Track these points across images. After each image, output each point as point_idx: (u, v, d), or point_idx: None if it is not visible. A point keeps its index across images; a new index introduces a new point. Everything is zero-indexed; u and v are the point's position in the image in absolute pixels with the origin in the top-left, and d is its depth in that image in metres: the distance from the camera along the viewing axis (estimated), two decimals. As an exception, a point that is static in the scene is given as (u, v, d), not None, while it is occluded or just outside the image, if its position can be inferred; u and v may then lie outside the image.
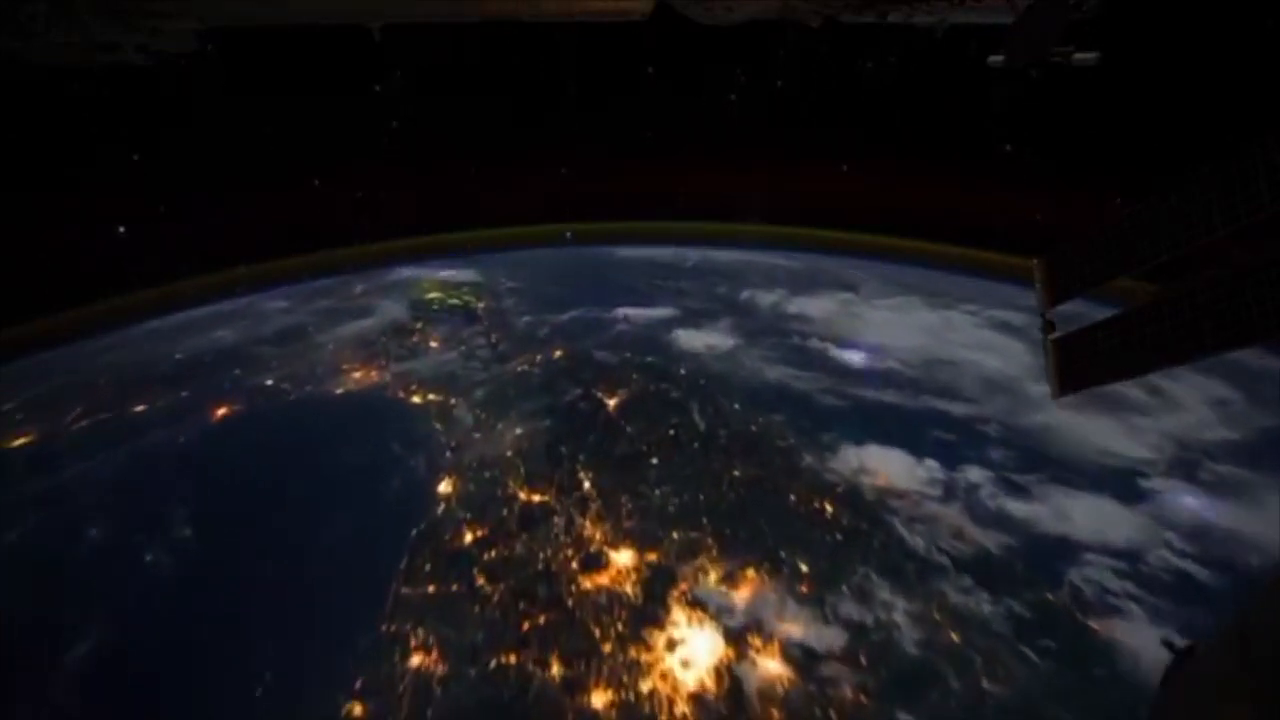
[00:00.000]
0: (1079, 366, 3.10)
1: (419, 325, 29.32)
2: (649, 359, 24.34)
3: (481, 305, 32.55)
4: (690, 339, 25.95)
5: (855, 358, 24.49)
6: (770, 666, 12.75)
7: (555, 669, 12.60)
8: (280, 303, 35.29)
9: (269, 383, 24.64)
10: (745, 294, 32.76)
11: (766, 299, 31.71)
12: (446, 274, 39.72)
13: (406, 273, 40.58)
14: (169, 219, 30.14)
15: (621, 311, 29.06)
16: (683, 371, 23.26)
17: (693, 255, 43.49)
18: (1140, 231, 2.95)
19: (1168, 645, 2.51)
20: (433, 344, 26.81)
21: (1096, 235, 3.16)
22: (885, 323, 28.52)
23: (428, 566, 14.90)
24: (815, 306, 30.66)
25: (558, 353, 25.18)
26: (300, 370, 25.31)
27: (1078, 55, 3.78)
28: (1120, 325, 2.96)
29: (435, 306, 32.79)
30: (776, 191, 37.54)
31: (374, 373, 24.52)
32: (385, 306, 32.59)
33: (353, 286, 38.59)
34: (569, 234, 47.74)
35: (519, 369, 23.89)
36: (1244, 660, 2.05)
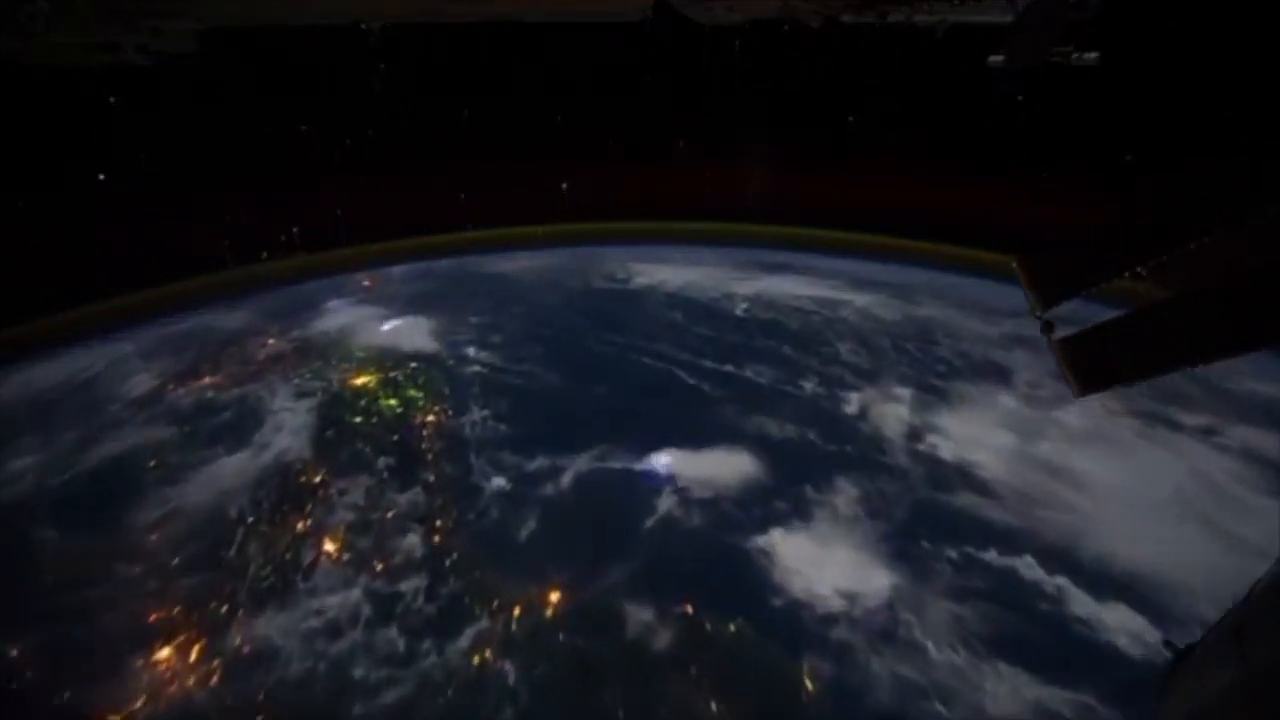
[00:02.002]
0: (1097, 366, 2.93)
1: (316, 482, 17.24)
2: (732, 627, 12.46)
3: (430, 418, 20.38)
4: (800, 559, 13.78)
5: (1129, 627, 12.76)
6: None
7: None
8: (140, 378, 23.22)
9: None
10: (851, 401, 20.60)
11: (891, 417, 19.60)
12: (393, 327, 27.49)
13: (340, 318, 28.51)
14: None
15: (664, 465, 16.99)
16: (809, 686, 11.56)
17: (738, 289, 31.53)
18: (1138, 229, 2.87)
19: (1167, 645, 2.37)
20: (326, 558, 14.74)
21: (1093, 234, 3.07)
22: (1114, 491, 16.60)
23: None
24: (979, 437, 18.64)
25: (553, 597, 13.24)
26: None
27: (1077, 55, 3.71)
28: (1135, 323, 2.85)
29: (358, 416, 20.59)
30: (777, 191, 34.85)
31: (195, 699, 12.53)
32: (277, 415, 20.33)
33: (258, 340, 26.73)
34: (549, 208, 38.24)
35: (477, 673, 12.01)
36: (1240, 659, 1.98)
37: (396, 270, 35.89)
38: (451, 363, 23.72)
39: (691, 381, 21.69)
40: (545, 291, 31.27)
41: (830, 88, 29.75)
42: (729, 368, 22.65)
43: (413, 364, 23.74)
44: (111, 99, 23.60)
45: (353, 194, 31.48)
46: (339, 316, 28.90)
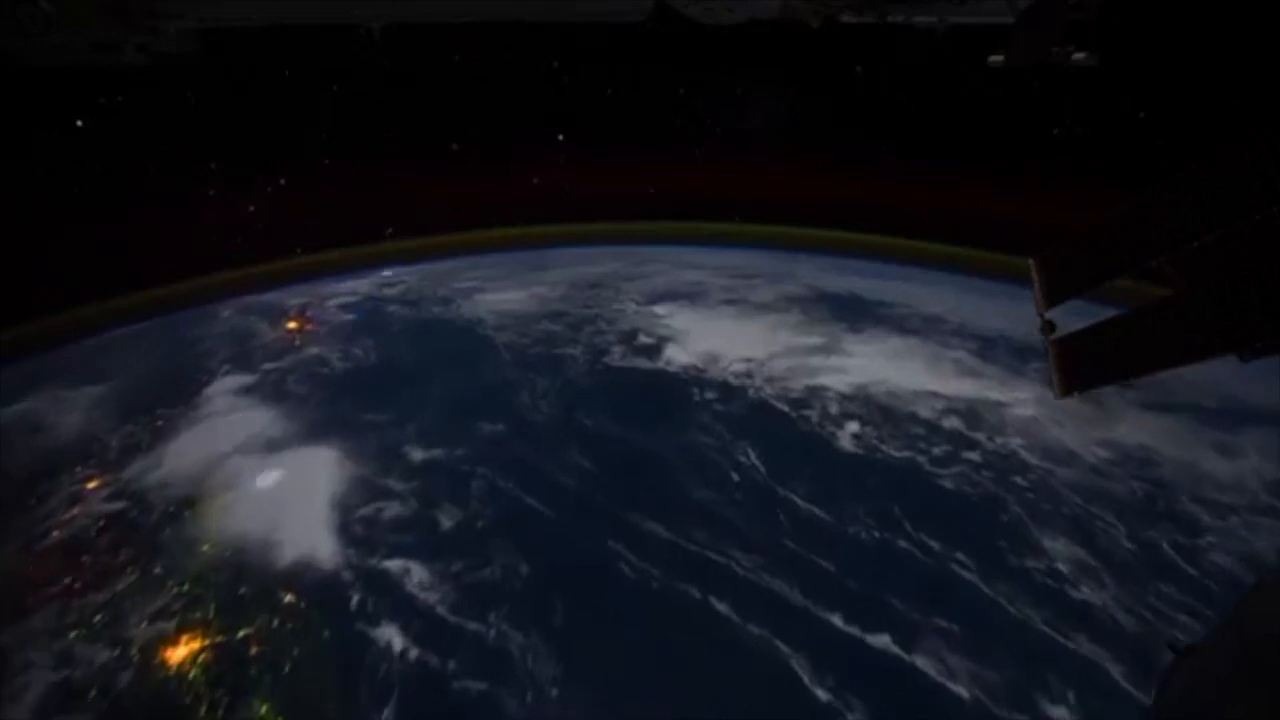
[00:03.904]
0: (1083, 367, 2.90)
1: None
2: None
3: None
4: None
5: None
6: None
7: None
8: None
9: None
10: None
11: None
12: (280, 477, 16.72)
13: (211, 432, 18.76)
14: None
15: None
16: None
17: (827, 377, 21.41)
18: (1136, 230, 2.79)
19: (1169, 645, 2.31)
20: None
21: (1093, 234, 2.99)
22: None
23: None
24: None
25: None
26: None
27: (1077, 55, 3.71)
28: (1123, 325, 2.81)
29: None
30: (775, 190, 32.85)
31: None
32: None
33: (70, 486, 17.73)
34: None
35: None
36: (1242, 658, 1.94)
37: (336, 304, 27.01)
38: (357, 601, 12.80)
39: (824, 696, 11.04)
40: (536, 380, 20.72)
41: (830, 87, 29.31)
42: (884, 640, 11.96)
43: (287, 601, 12.92)
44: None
45: (323, 195, 28.70)
46: (211, 424, 18.66)
